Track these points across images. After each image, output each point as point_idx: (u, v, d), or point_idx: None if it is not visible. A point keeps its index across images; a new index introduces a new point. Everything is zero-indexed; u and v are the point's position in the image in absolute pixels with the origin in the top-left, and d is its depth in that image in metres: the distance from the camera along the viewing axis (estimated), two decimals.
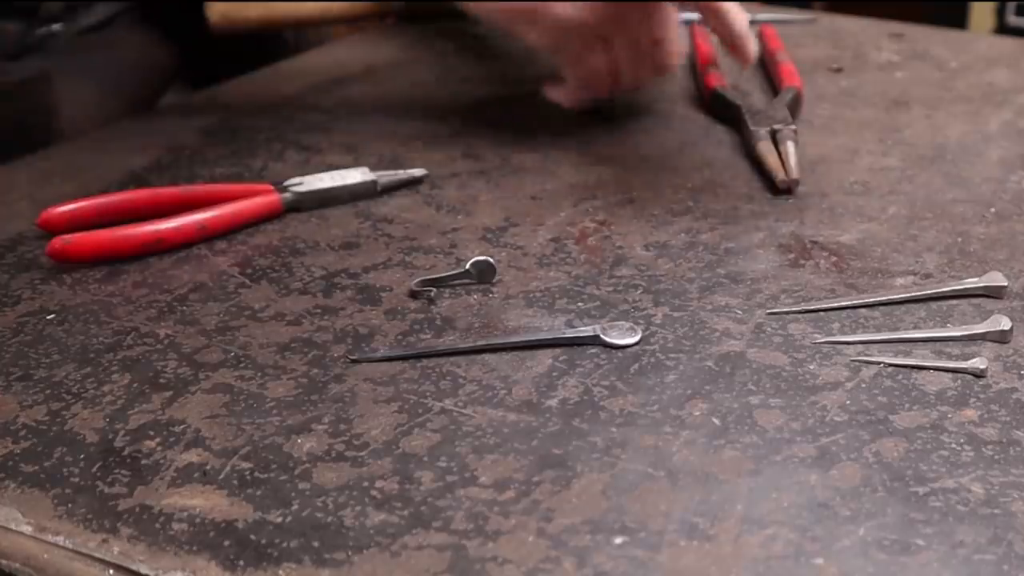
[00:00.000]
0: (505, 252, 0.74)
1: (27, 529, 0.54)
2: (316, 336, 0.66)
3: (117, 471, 0.56)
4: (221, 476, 0.56)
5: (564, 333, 0.65)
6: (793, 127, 0.86)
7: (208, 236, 0.76)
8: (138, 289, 0.71)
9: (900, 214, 0.79)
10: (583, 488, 0.55)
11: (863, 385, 0.61)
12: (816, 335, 0.65)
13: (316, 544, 0.52)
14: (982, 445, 0.57)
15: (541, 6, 0.84)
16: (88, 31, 1.00)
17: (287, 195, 0.80)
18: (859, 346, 0.65)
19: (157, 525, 0.53)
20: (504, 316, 0.68)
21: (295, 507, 0.54)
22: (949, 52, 1.09)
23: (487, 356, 0.64)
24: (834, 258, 0.73)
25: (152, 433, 0.59)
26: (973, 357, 0.63)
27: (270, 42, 1.19)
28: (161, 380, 0.63)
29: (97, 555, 0.52)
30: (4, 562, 0.53)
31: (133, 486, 0.55)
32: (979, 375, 0.62)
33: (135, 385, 0.62)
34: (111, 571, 0.52)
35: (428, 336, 0.66)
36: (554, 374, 0.63)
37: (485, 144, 0.89)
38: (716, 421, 0.59)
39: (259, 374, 0.63)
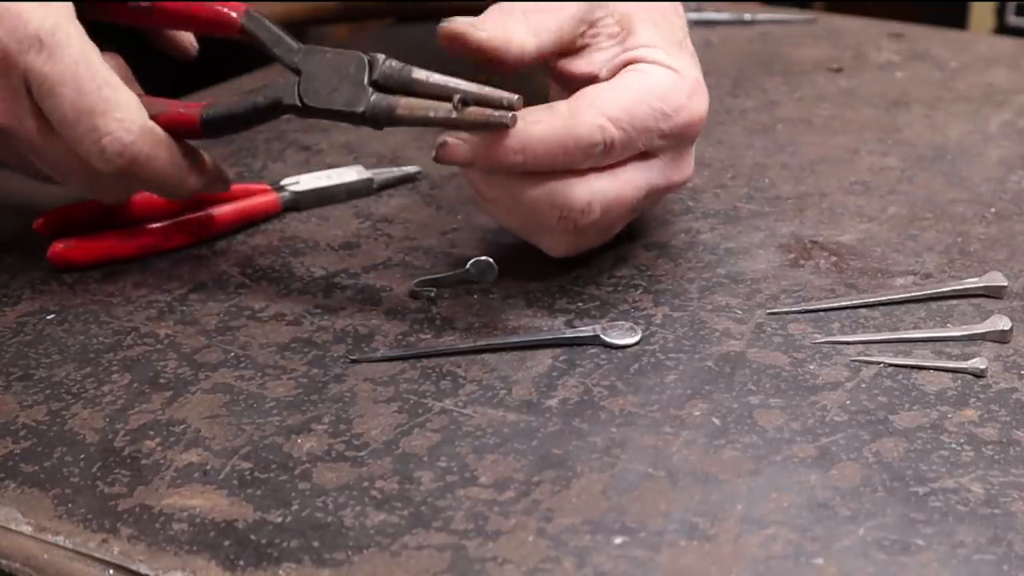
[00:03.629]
0: (505, 252, 0.74)
1: (27, 529, 0.54)
2: (316, 336, 0.66)
3: (117, 471, 0.56)
4: (221, 476, 0.56)
5: (564, 333, 0.65)
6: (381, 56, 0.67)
7: (208, 236, 0.76)
8: (138, 289, 0.71)
9: (900, 214, 0.79)
10: (583, 488, 0.55)
11: (863, 385, 0.61)
12: (816, 335, 0.65)
13: (316, 544, 0.52)
14: (982, 445, 0.57)
15: None
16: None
17: (285, 194, 0.80)
18: (859, 346, 0.65)
19: (157, 525, 0.53)
20: (504, 316, 0.68)
21: (295, 507, 0.54)
22: (949, 52, 1.08)
23: (487, 356, 0.64)
24: (834, 258, 0.73)
25: (152, 433, 0.59)
26: (973, 357, 0.63)
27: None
28: (161, 380, 0.63)
29: (97, 555, 0.52)
30: (4, 562, 0.53)
31: (133, 486, 0.55)
32: (979, 375, 0.62)
33: (135, 385, 0.62)
34: (111, 571, 0.52)
35: (428, 336, 0.66)
36: (554, 374, 0.63)
37: None
38: (716, 421, 0.59)
39: (259, 374, 0.63)
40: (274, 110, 0.68)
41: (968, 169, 0.85)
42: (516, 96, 0.63)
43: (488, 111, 0.63)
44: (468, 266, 0.69)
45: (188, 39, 0.78)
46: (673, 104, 0.67)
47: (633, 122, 0.66)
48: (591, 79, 0.69)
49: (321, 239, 0.77)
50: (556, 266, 0.72)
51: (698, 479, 0.55)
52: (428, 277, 0.70)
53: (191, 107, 0.69)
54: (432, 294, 0.69)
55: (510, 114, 0.63)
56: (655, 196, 0.71)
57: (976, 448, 0.57)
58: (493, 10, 0.67)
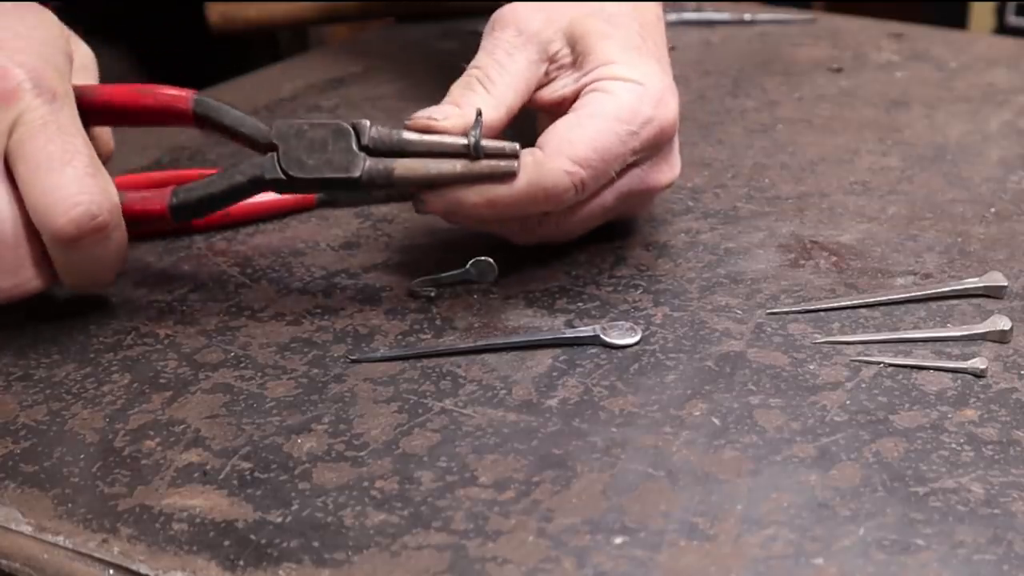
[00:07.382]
0: (505, 252, 0.74)
1: (27, 529, 0.54)
2: (316, 336, 0.66)
3: (117, 471, 0.56)
4: (221, 476, 0.56)
5: (564, 333, 0.65)
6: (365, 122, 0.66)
7: (234, 222, 0.77)
8: (138, 289, 0.71)
9: (900, 214, 0.79)
10: (583, 488, 0.55)
11: (863, 385, 0.61)
12: (816, 335, 0.66)
13: (316, 544, 0.52)
14: (982, 445, 0.57)
15: None
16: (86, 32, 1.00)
17: None
18: (859, 346, 0.65)
19: (157, 525, 0.53)
20: (504, 316, 0.68)
21: (295, 507, 0.54)
22: (949, 52, 1.09)
23: (487, 356, 0.64)
24: (834, 258, 0.73)
25: (152, 433, 0.59)
26: (973, 357, 0.63)
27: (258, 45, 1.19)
28: (161, 380, 0.63)
29: (97, 555, 0.52)
30: (4, 562, 0.53)
31: (133, 486, 0.55)
32: (979, 375, 0.62)
33: (135, 385, 0.62)
34: (111, 571, 0.52)
35: (428, 336, 0.66)
36: (554, 374, 0.63)
37: None
38: (716, 421, 0.59)
39: (259, 374, 0.63)
40: (255, 186, 0.66)
41: (968, 169, 0.85)
42: (516, 144, 0.65)
43: (493, 163, 0.65)
44: (468, 266, 0.69)
45: (105, 138, 0.73)
46: (639, 120, 0.68)
47: (602, 155, 0.66)
48: (560, 103, 0.70)
49: (321, 239, 0.77)
50: (556, 266, 0.72)
51: (698, 479, 0.55)
52: (428, 277, 0.70)
53: (153, 194, 0.66)
54: (432, 294, 0.69)
55: (516, 163, 0.65)
56: (635, 199, 0.72)
57: (976, 448, 0.57)
58: (454, 91, 0.69)
